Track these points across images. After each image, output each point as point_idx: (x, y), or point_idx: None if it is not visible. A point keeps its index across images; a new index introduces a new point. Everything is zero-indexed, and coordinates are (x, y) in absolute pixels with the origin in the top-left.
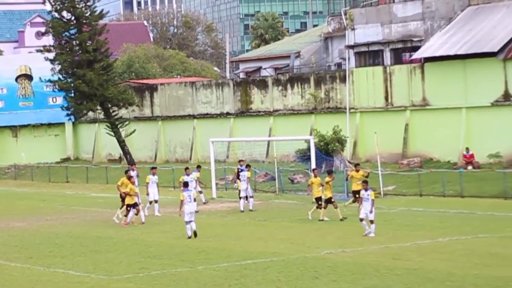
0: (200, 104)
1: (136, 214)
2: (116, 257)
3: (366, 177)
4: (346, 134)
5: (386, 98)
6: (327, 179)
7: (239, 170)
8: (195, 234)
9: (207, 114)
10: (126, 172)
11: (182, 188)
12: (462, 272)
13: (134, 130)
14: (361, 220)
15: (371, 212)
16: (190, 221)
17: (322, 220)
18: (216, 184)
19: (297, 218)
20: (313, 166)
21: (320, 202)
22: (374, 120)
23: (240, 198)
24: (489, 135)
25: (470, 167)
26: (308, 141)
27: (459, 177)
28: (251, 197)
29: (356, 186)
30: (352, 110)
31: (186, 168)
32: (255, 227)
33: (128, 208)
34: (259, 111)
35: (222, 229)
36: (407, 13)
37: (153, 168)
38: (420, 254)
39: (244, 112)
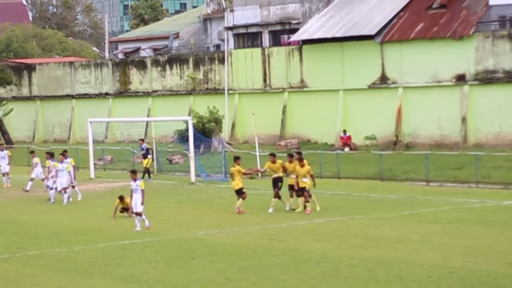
0: (78, 84)
1: None
2: None
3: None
4: (225, 115)
5: (265, 80)
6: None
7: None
8: None
9: (86, 94)
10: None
11: None
12: (337, 253)
13: (12, 109)
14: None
15: (142, 204)
16: None
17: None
18: (95, 164)
19: (175, 198)
20: (191, 146)
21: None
22: (252, 101)
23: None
24: (365, 118)
25: (347, 149)
26: (186, 122)
27: (336, 158)
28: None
29: (291, 180)
30: (230, 92)
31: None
32: None
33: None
34: (138, 92)
35: (100, 210)
36: None
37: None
38: (296, 235)
39: (123, 92)
